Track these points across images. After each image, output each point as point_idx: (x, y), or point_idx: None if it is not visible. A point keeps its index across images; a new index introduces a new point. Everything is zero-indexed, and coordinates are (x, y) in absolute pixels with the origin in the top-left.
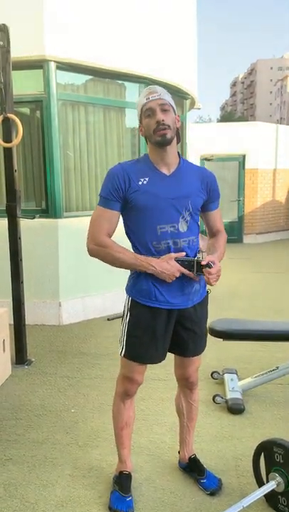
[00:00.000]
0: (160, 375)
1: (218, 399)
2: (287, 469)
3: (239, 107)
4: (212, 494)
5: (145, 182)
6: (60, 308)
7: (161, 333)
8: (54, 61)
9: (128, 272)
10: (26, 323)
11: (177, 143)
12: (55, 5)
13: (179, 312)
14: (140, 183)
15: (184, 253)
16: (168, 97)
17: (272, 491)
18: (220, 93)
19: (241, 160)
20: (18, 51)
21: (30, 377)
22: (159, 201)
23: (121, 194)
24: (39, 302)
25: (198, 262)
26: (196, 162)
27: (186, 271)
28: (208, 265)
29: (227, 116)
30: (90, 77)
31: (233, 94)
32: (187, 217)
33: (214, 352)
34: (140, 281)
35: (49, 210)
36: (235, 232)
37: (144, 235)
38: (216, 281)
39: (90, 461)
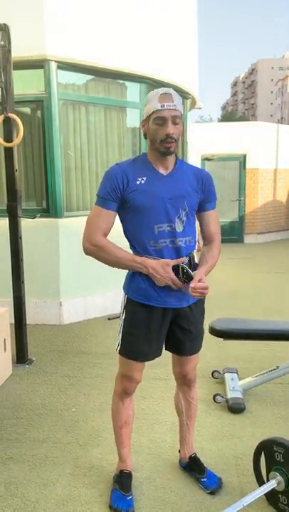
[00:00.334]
0: (161, 375)
1: (218, 398)
2: (288, 468)
3: (240, 107)
4: (212, 493)
5: (143, 181)
6: (61, 308)
7: (156, 330)
8: (55, 61)
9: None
10: (27, 322)
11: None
12: (56, 5)
13: (174, 312)
14: (138, 182)
15: (184, 258)
16: (180, 106)
17: (273, 489)
18: (221, 93)
19: (242, 160)
20: (19, 51)
21: (31, 376)
22: (156, 201)
23: (119, 194)
24: (40, 302)
25: (189, 275)
26: (197, 162)
27: (178, 282)
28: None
29: (228, 116)
30: (91, 76)
31: (234, 94)
32: (183, 217)
33: (215, 351)
34: (136, 280)
35: (50, 209)
36: (235, 232)
37: (141, 234)
38: (198, 296)
39: (90, 460)
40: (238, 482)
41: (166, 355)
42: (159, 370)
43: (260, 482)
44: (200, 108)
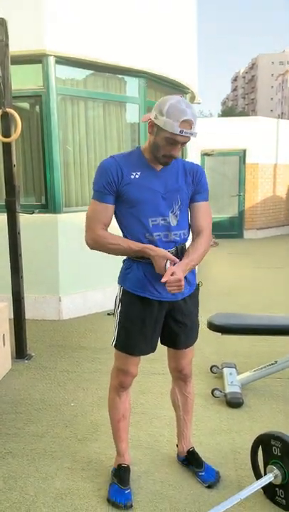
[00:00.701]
0: (159, 369)
1: (217, 393)
2: (285, 462)
3: (240, 102)
4: (210, 487)
5: (137, 176)
6: (60, 303)
7: (151, 324)
8: (53, 55)
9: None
10: (26, 318)
11: None
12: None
13: (169, 305)
14: (132, 176)
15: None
16: (196, 130)
17: (270, 483)
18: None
19: (242, 155)
20: (17, 45)
21: (30, 371)
22: (150, 195)
23: (114, 188)
24: (39, 297)
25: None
26: (197, 157)
27: (172, 257)
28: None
29: (228, 111)
30: (90, 71)
31: (234, 89)
32: (177, 211)
33: (213, 346)
34: (132, 271)
35: (49, 205)
36: (235, 228)
37: (135, 227)
38: (175, 290)
39: (89, 455)
40: (236, 476)
41: (165, 350)
42: (158, 364)
43: (258, 476)
44: (199, 103)
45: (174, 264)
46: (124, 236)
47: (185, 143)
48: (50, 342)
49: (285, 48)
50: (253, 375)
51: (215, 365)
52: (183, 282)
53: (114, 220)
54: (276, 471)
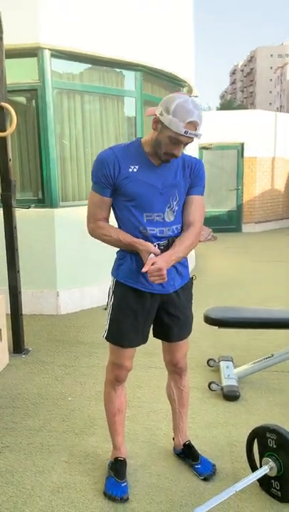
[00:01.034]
0: (157, 363)
1: (213, 386)
2: (280, 454)
3: (239, 95)
4: (206, 479)
5: (135, 170)
6: (58, 298)
7: (143, 315)
8: (49, 49)
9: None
10: (24, 313)
11: None
12: None
13: (161, 298)
14: (130, 170)
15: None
16: (201, 131)
17: (266, 475)
18: (220, 82)
19: (240, 148)
20: (11, 39)
21: (27, 366)
22: (148, 190)
23: (110, 181)
24: (37, 292)
25: (159, 246)
26: (195, 151)
27: (157, 251)
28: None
29: (226, 104)
30: (86, 65)
31: (233, 82)
32: (174, 207)
33: (210, 340)
34: (126, 263)
35: (45, 199)
36: (233, 222)
37: (129, 221)
38: (157, 280)
39: (86, 448)
40: (232, 468)
41: (161, 344)
42: (155, 358)
43: (254, 468)
44: (196, 96)
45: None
46: (119, 227)
47: (188, 143)
48: (48, 337)
49: (283, 40)
50: (249, 368)
51: (212, 359)
52: (164, 272)
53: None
54: (271, 464)
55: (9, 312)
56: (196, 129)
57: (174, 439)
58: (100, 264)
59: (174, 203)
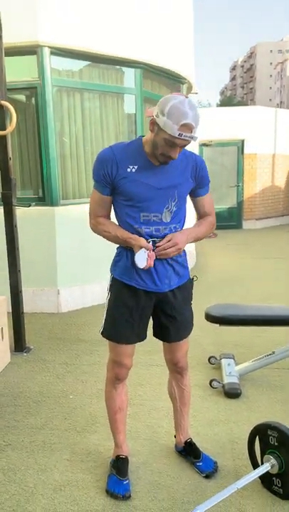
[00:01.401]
0: (158, 361)
1: (215, 383)
2: (282, 451)
3: (239, 92)
4: (208, 477)
5: (134, 170)
6: (59, 296)
7: (138, 312)
8: (48, 47)
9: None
10: (25, 311)
11: None
12: None
13: (157, 296)
14: (129, 170)
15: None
16: (196, 133)
17: (267, 472)
18: (220, 78)
19: (240, 145)
20: (11, 37)
21: (29, 364)
22: (145, 190)
23: (109, 180)
24: (37, 290)
25: (155, 242)
26: (195, 148)
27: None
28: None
29: (226, 100)
30: (86, 62)
31: (233, 79)
32: (173, 208)
33: (212, 337)
34: (122, 259)
35: (46, 197)
36: (234, 218)
37: (126, 219)
38: (168, 253)
39: (87, 446)
40: (234, 466)
41: (162, 342)
42: (157, 356)
43: (255, 465)
44: (196, 93)
45: (151, 252)
46: (119, 224)
47: (184, 146)
48: (49, 335)
49: (283, 36)
50: (251, 365)
51: (213, 356)
52: (181, 246)
53: None
54: (273, 461)
55: (10, 310)
56: (191, 132)
57: (175, 436)
58: (101, 261)
59: (173, 204)
